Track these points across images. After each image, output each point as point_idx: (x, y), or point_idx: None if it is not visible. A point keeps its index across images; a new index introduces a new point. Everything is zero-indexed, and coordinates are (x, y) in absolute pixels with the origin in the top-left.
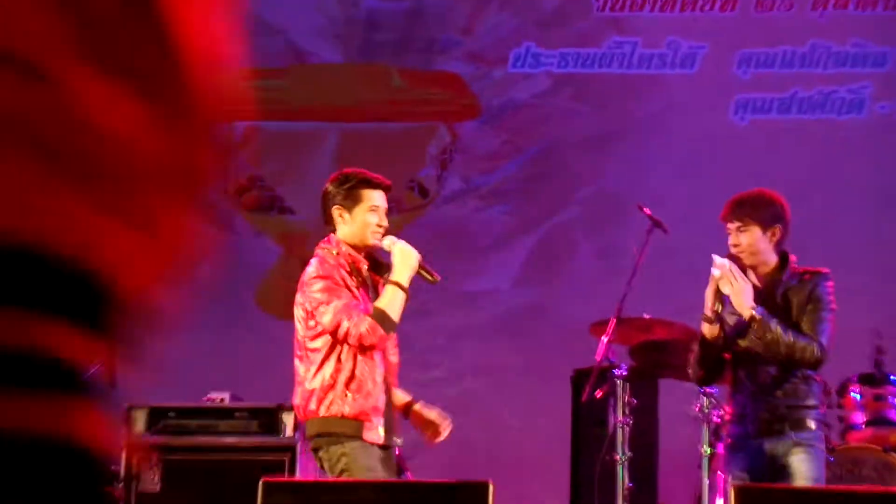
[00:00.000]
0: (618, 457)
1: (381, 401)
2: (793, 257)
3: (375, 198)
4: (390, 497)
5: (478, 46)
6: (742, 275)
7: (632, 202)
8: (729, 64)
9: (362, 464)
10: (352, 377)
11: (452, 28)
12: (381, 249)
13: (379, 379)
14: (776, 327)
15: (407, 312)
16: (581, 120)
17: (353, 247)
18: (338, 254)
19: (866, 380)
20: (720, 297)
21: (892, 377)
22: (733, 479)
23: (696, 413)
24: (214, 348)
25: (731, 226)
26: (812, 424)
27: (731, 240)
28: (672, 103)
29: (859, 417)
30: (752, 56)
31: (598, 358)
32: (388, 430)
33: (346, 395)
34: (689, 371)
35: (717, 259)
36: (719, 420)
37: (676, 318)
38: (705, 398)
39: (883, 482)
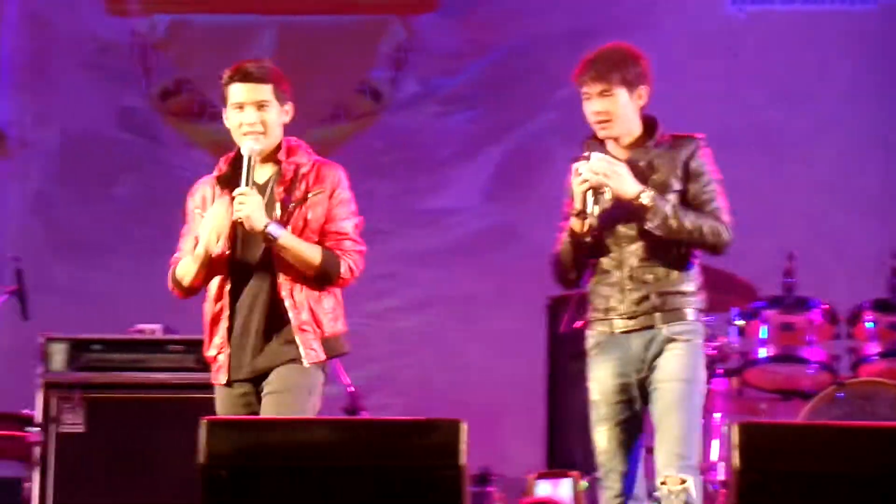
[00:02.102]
0: None
1: (219, 336)
2: (659, 125)
3: (235, 93)
4: (347, 436)
5: None
6: (612, 159)
7: None
8: None
9: (217, 411)
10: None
11: None
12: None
13: (211, 311)
14: (672, 210)
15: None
16: (557, 13)
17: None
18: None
19: (881, 306)
20: (592, 191)
21: None
22: (598, 388)
23: None
24: (141, 275)
25: (591, 89)
26: (689, 314)
27: (593, 106)
28: None
29: (872, 348)
30: None
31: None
32: (238, 366)
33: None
34: (557, 275)
35: (594, 156)
36: (715, 352)
37: None
38: None
39: None
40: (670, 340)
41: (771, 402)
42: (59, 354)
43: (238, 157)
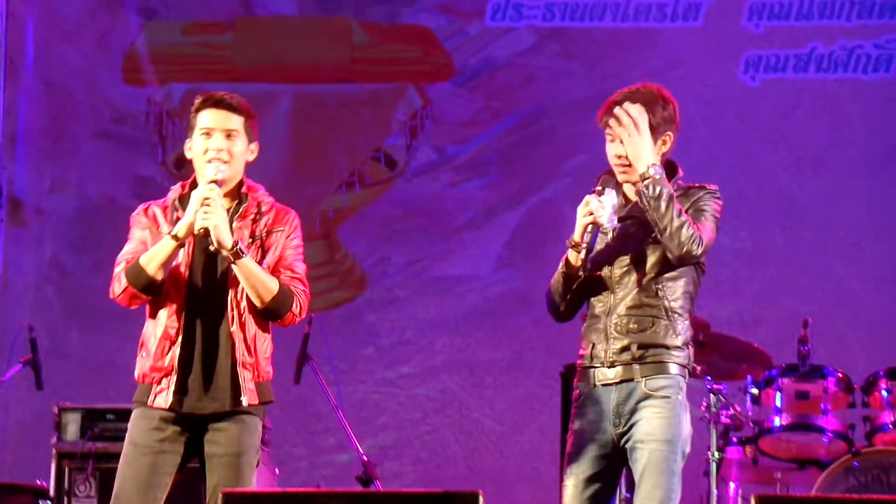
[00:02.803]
0: None
1: (166, 360)
2: (680, 171)
3: (205, 118)
4: None
5: None
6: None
7: None
8: (738, 15)
9: (130, 433)
10: (143, 337)
11: None
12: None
13: (160, 333)
14: (669, 196)
15: (371, 301)
16: (569, 81)
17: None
18: (164, 198)
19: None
20: (593, 226)
21: None
22: (573, 441)
23: (703, 413)
24: None
25: (615, 133)
26: (670, 368)
27: (616, 149)
28: (673, 61)
29: (888, 417)
30: (763, 6)
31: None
32: (182, 393)
33: (139, 358)
34: (548, 307)
35: (607, 195)
36: (729, 421)
37: None
38: (713, 396)
39: None
40: (648, 396)
41: (786, 472)
42: (72, 424)
43: (195, 185)
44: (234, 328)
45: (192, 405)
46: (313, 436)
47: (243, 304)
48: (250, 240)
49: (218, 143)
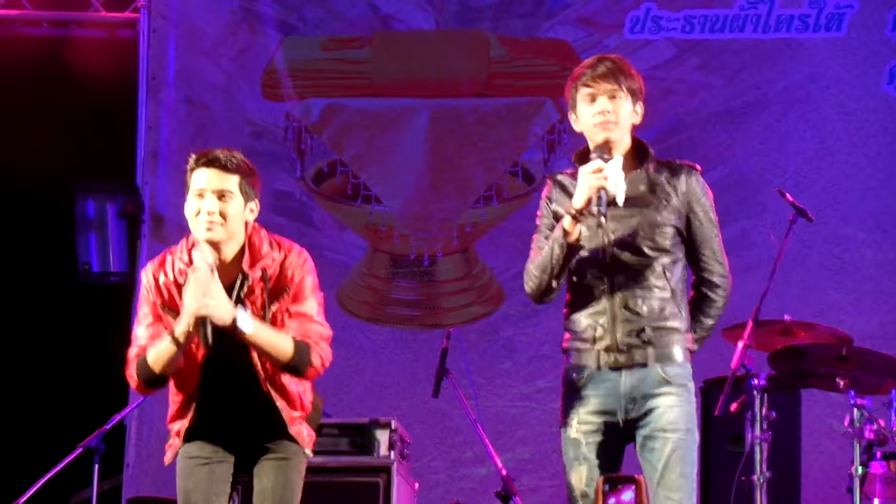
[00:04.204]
0: (755, 478)
1: (175, 425)
2: (651, 149)
3: (198, 178)
4: None
5: (590, 9)
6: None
7: (768, 186)
8: (882, 25)
9: (183, 451)
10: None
11: None
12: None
13: (176, 400)
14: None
15: (508, 315)
16: (709, 93)
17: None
18: (173, 265)
19: None
20: (598, 193)
21: None
22: (579, 426)
23: (845, 427)
24: None
25: (599, 88)
26: (679, 355)
27: (600, 105)
28: (816, 72)
29: None
30: None
31: (733, 366)
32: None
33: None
34: (537, 288)
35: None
36: (873, 436)
37: (820, 320)
38: (857, 410)
39: None
40: (665, 382)
41: None
42: None
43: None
44: (269, 388)
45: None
46: (451, 449)
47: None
48: (262, 313)
49: (211, 205)
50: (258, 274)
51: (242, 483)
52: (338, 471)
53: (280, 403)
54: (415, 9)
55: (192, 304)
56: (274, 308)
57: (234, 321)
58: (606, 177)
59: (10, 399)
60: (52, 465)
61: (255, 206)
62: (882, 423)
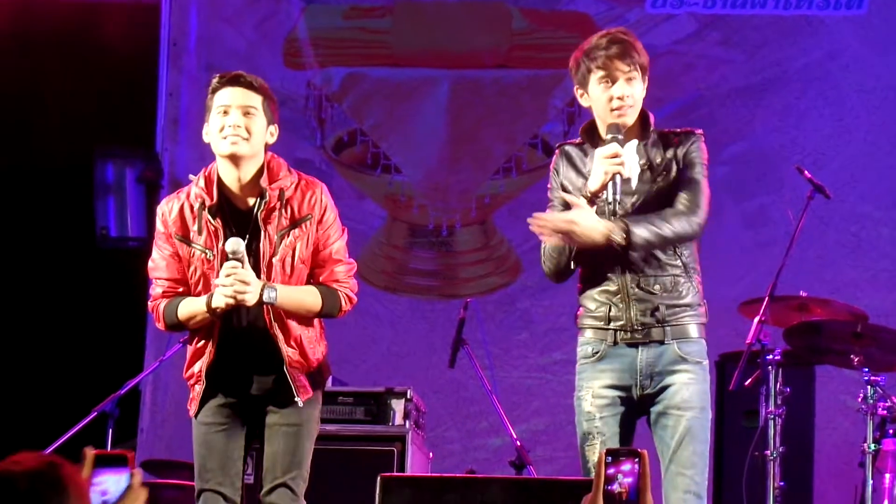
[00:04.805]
0: (769, 453)
1: (195, 367)
2: (651, 117)
3: (222, 96)
4: (523, 496)
5: None
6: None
7: (787, 163)
8: None
9: (198, 416)
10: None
11: None
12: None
13: (194, 344)
14: (644, 238)
15: (526, 287)
16: (730, 69)
17: (224, 169)
18: (188, 193)
19: None
20: (619, 179)
21: None
22: (594, 399)
23: (859, 404)
24: None
25: (619, 70)
26: (695, 331)
27: (620, 89)
28: (836, 50)
29: None
30: None
31: (748, 341)
32: (211, 397)
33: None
34: (554, 268)
35: (631, 146)
36: (885, 412)
37: (836, 297)
38: (870, 387)
39: None
40: (681, 359)
41: None
42: None
43: (221, 181)
44: (275, 330)
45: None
46: (466, 419)
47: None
48: (279, 234)
49: (235, 120)
50: (276, 192)
51: (256, 450)
52: (353, 439)
53: (284, 350)
54: None
55: (228, 291)
56: (296, 233)
57: (261, 296)
58: (623, 162)
59: (25, 363)
60: (66, 430)
61: (274, 129)
62: (895, 399)
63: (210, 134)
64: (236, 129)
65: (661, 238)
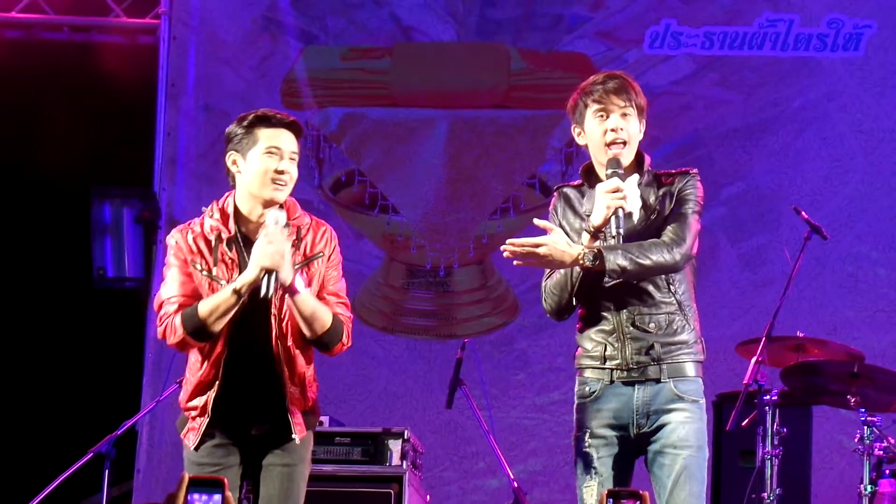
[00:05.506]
0: (765, 494)
1: (201, 401)
2: (647, 158)
3: (273, 137)
4: None
5: (610, 24)
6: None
7: (784, 203)
8: None
9: (191, 456)
10: (188, 362)
11: (581, 2)
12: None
13: (198, 373)
14: (620, 264)
15: (523, 327)
16: (727, 109)
17: (249, 204)
18: (201, 224)
19: None
20: (616, 213)
21: None
22: (591, 440)
23: (855, 444)
24: None
25: (614, 105)
26: (691, 370)
27: (613, 122)
28: (833, 91)
29: None
30: None
31: (745, 381)
32: (209, 434)
33: (184, 381)
34: (555, 304)
35: (632, 181)
36: (882, 453)
37: (833, 337)
38: (867, 428)
39: None
40: (678, 398)
41: None
42: None
43: (238, 213)
44: (281, 367)
45: (236, 434)
46: (463, 460)
47: (289, 341)
48: (296, 266)
49: (287, 167)
50: (295, 229)
51: (250, 492)
52: (350, 479)
53: (288, 386)
54: (436, 21)
55: (264, 257)
56: (308, 269)
57: (293, 281)
58: (625, 196)
59: (22, 403)
60: (62, 470)
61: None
62: (892, 440)
63: (249, 171)
64: (286, 175)
65: (639, 266)
